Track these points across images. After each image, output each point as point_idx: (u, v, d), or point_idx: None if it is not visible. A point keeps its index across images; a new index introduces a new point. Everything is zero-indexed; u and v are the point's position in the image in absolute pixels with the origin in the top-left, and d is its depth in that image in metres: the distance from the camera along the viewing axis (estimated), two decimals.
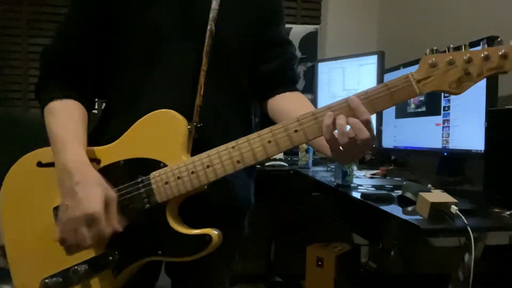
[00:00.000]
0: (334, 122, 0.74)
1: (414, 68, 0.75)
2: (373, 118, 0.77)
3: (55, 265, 0.87)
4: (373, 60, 2.20)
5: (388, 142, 2.08)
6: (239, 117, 0.99)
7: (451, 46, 0.74)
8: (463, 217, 0.94)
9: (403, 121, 1.94)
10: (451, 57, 0.72)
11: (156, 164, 0.85)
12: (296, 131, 0.78)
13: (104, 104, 1.00)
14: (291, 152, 2.20)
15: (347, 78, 2.35)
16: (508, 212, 1.06)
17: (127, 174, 0.85)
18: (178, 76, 0.91)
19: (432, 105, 1.70)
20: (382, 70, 2.15)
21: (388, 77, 2.06)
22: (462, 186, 1.52)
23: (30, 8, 2.58)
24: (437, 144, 1.66)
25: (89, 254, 0.86)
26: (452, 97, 1.59)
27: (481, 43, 0.72)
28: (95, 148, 0.89)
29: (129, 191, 0.85)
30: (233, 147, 0.80)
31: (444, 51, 0.74)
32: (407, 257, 2.03)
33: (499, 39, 0.71)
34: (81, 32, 0.93)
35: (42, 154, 0.91)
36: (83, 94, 0.94)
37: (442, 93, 1.62)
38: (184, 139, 0.85)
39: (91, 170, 0.83)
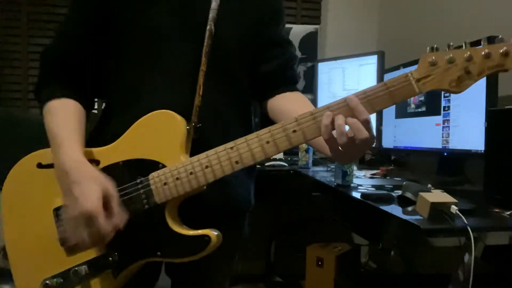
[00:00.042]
0: (332, 122, 0.74)
1: (414, 68, 0.75)
2: (373, 118, 0.76)
3: (56, 266, 0.88)
4: (373, 60, 2.20)
5: (388, 142, 2.08)
6: (238, 117, 0.98)
7: (451, 44, 0.72)
8: (463, 217, 0.94)
9: (403, 121, 1.94)
10: (451, 55, 0.71)
11: (155, 165, 0.84)
12: (294, 131, 0.77)
13: (104, 104, 1.00)
14: (291, 152, 2.20)
15: (347, 78, 2.35)
16: (508, 212, 1.05)
17: (126, 175, 0.85)
18: (178, 76, 0.91)
19: (432, 105, 1.70)
20: (382, 70, 2.15)
21: (388, 77, 2.04)
22: (462, 186, 1.51)
23: (30, 8, 2.58)
24: (437, 144, 1.66)
25: (89, 254, 0.86)
26: (452, 97, 1.59)
27: (481, 41, 0.70)
28: (94, 149, 0.89)
29: (128, 192, 0.85)
30: (231, 148, 0.80)
31: (444, 50, 0.73)
32: (407, 257, 2.03)
33: (500, 37, 0.70)
34: (81, 32, 0.93)
35: (42, 155, 0.91)
36: (83, 94, 0.94)
37: (442, 93, 1.62)
38: (183, 140, 0.85)
39: (86, 167, 0.82)
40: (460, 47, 0.72)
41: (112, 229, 0.78)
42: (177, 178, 0.82)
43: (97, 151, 0.88)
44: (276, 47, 1.01)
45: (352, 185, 1.47)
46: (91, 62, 0.94)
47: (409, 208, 1.10)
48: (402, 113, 1.94)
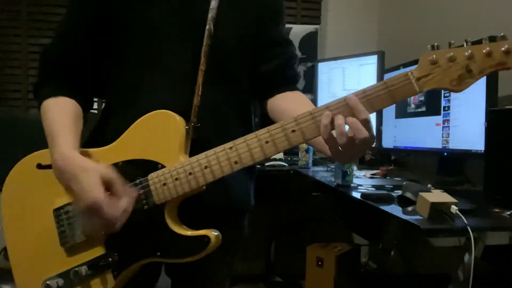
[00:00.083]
0: (332, 122, 0.74)
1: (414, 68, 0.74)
2: (373, 118, 0.76)
3: (56, 266, 0.88)
4: (373, 60, 2.20)
5: (388, 142, 2.08)
6: (238, 117, 0.98)
7: (452, 42, 0.71)
8: (463, 217, 0.94)
9: (403, 121, 1.94)
10: (452, 54, 0.70)
11: (154, 165, 0.84)
12: (293, 131, 0.77)
13: (103, 104, 1.00)
14: (291, 152, 2.20)
15: (347, 78, 2.35)
16: (508, 212, 1.05)
17: (125, 176, 0.85)
18: (177, 76, 0.91)
19: (432, 105, 1.70)
20: (382, 70, 2.15)
21: (388, 77, 2.05)
22: (462, 186, 1.52)
23: (30, 8, 2.58)
24: (437, 144, 1.66)
25: (89, 255, 0.86)
26: (452, 97, 1.59)
27: (483, 40, 0.69)
28: (93, 149, 0.89)
29: None
30: (230, 148, 0.80)
31: (445, 48, 0.72)
32: (407, 257, 2.03)
33: (502, 34, 0.68)
34: (81, 32, 0.93)
35: (41, 156, 0.91)
36: (82, 94, 0.94)
37: (442, 93, 1.62)
38: (182, 140, 0.85)
39: (76, 160, 0.82)
40: (461, 46, 0.71)
41: (119, 213, 0.78)
42: (176, 179, 0.82)
43: (96, 152, 0.88)
44: (276, 47, 1.01)
45: (352, 185, 1.47)
46: (91, 62, 0.94)
47: (409, 208, 1.10)
48: (402, 113, 1.94)
